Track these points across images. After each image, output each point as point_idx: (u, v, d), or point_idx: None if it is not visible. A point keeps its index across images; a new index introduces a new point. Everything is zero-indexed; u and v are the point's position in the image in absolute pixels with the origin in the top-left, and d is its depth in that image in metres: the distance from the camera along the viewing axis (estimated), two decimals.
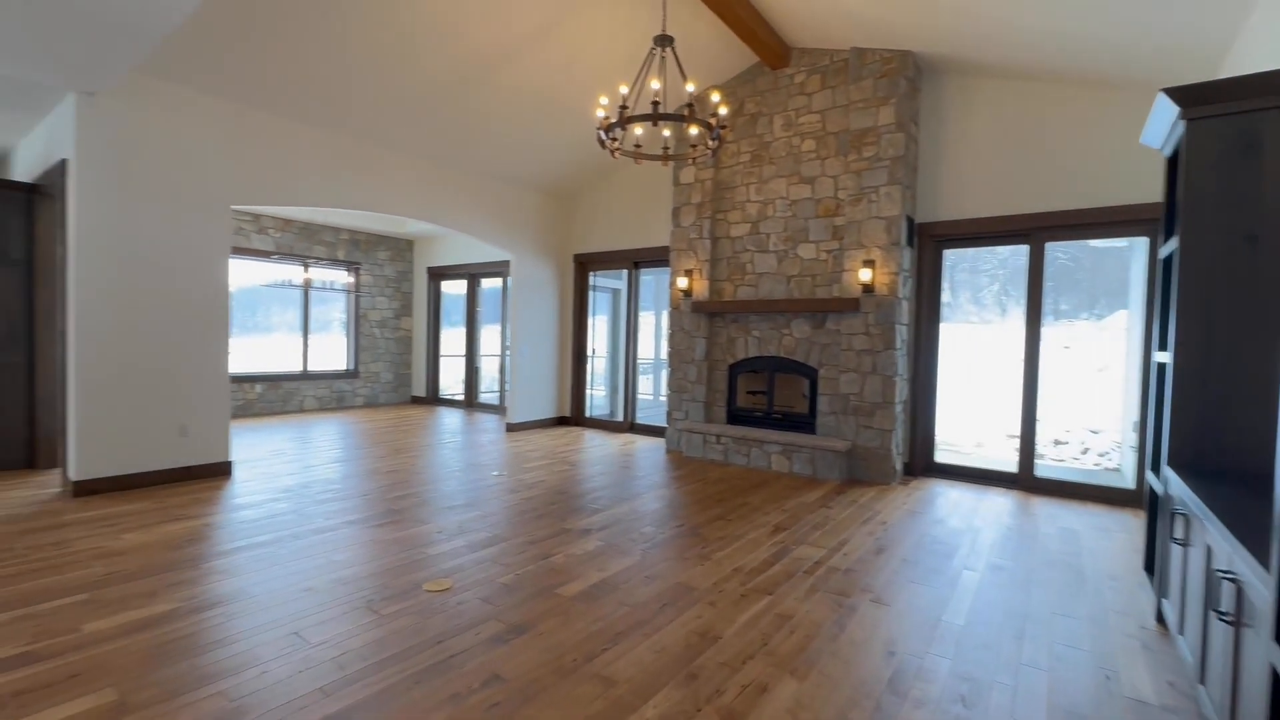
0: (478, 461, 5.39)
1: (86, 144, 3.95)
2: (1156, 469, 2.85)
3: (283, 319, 8.73)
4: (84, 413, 3.99)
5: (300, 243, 8.35)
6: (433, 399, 9.66)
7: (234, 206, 4.74)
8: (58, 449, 4.70)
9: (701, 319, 6.01)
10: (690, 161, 4.19)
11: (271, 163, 4.84)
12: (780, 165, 5.59)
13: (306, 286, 8.17)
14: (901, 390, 5.07)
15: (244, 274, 8.05)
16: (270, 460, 5.22)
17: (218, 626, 2.29)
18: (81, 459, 3.99)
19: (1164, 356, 2.66)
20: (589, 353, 7.72)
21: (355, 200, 5.45)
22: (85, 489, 3.99)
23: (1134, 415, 6.73)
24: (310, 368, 8.64)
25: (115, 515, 3.60)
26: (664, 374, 10.47)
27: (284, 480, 4.54)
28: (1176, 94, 2.45)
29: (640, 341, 7.42)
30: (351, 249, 8.98)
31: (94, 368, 4.02)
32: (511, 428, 7.13)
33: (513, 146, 6.20)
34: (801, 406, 5.60)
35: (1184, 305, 2.44)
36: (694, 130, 4.07)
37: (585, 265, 7.66)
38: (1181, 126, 2.48)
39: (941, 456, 5.33)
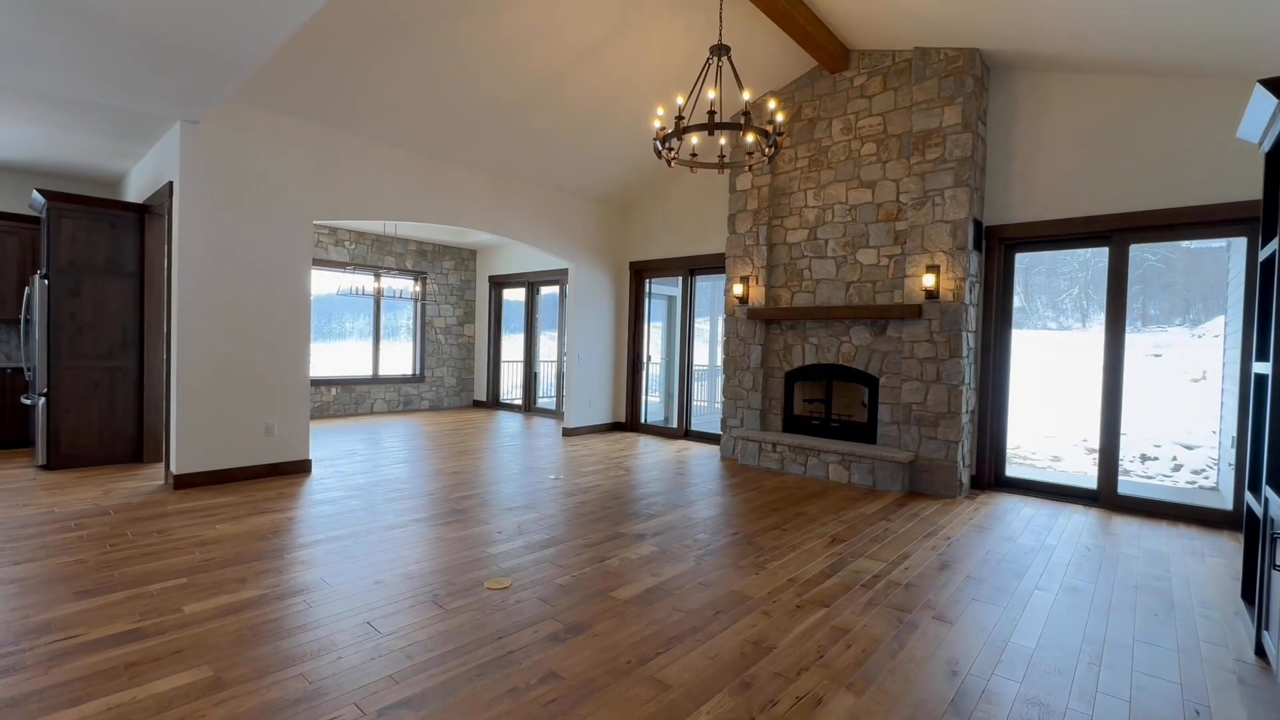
0: (535, 465, 5.54)
1: (189, 167, 4.34)
2: (1256, 489, 2.64)
3: (355, 326, 9.24)
4: (183, 412, 4.37)
5: (372, 254, 8.83)
6: (493, 403, 9.97)
7: (315, 221, 5.08)
8: (162, 445, 5.15)
9: (757, 326, 5.96)
10: (746, 169, 4.19)
11: (350, 180, 5.17)
12: (839, 170, 5.49)
13: (378, 295, 8.62)
14: (968, 400, 4.86)
15: (321, 284, 8.57)
16: (344, 459, 5.54)
17: (299, 613, 2.46)
18: (181, 454, 4.36)
19: (1264, 367, 2.46)
20: (644, 359, 7.79)
21: (425, 214, 5.73)
22: (184, 482, 4.36)
23: (1233, 430, 6.19)
24: (380, 372, 9.10)
25: (210, 507, 3.91)
26: (719, 381, 10.46)
27: (357, 479, 4.81)
28: (1275, 85, 2.28)
29: (695, 349, 7.43)
30: (419, 259, 9.42)
31: (192, 371, 4.40)
32: (568, 433, 7.27)
33: (571, 159, 6.37)
34: (861, 415, 5.46)
35: None
36: (750, 138, 4.08)
37: (641, 273, 7.75)
38: None
39: (1014, 470, 5.07)
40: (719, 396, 10.36)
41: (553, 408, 9.32)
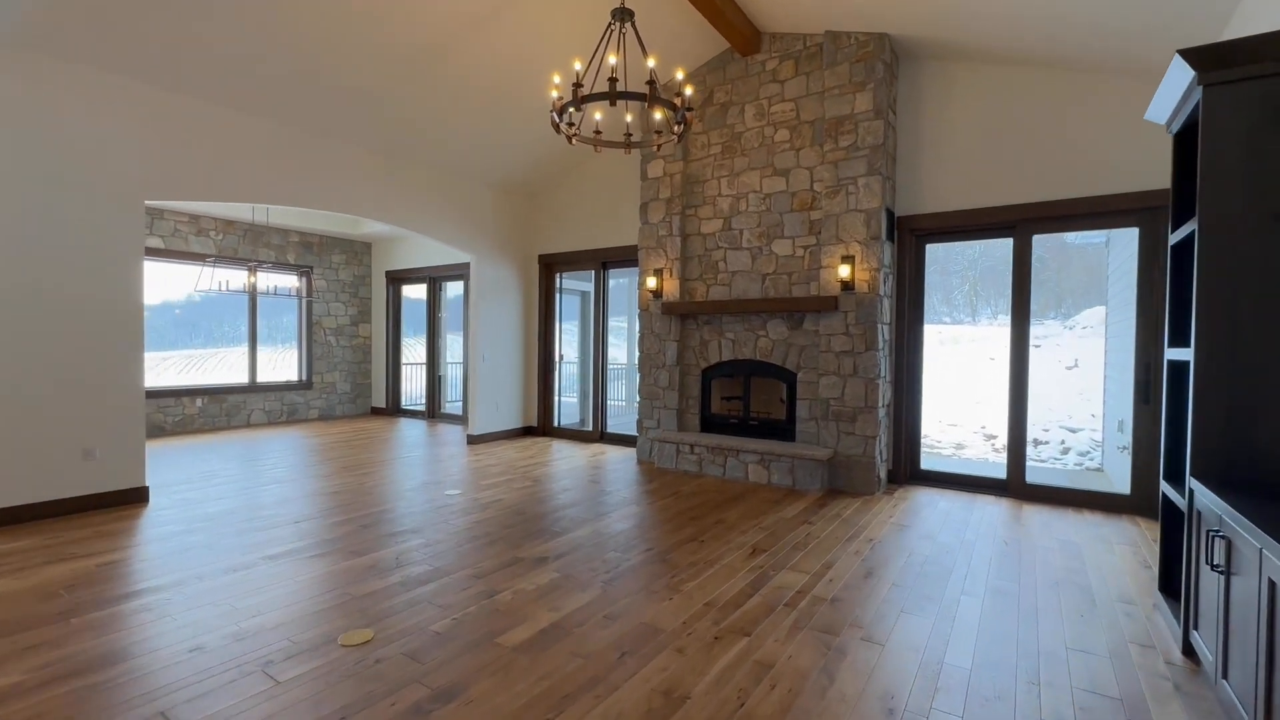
0: (432, 479, 4.95)
1: None
2: (1175, 479, 2.56)
3: (228, 328, 8.16)
4: None
5: (245, 245, 7.80)
6: (394, 410, 9.15)
7: (151, 201, 4.24)
8: None
9: (672, 321, 5.65)
10: (655, 149, 3.84)
11: (197, 154, 4.36)
12: (753, 157, 5.27)
13: (253, 293, 7.61)
14: (884, 394, 4.77)
15: (182, 280, 7.48)
16: (199, 483, 4.71)
17: (65, 708, 1.84)
18: None
19: (1182, 354, 2.37)
20: (556, 359, 7.32)
21: (296, 196, 4.98)
22: None
23: (1118, 414, 6.56)
24: (259, 379, 8.08)
25: None
26: (637, 381, 10.16)
27: (208, 507, 4.05)
28: (1194, 56, 2.17)
29: (613, 346, 7.06)
30: (303, 252, 8.45)
31: None
32: (473, 440, 6.68)
33: (470, 140, 5.79)
34: (779, 412, 5.28)
35: (1205, 296, 2.15)
36: (658, 115, 3.74)
37: (551, 266, 7.27)
38: (1199, 94, 2.20)
39: (928, 462, 5.04)
40: (634, 396, 10.06)
41: (460, 413, 8.65)
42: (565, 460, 5.81)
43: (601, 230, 6.71)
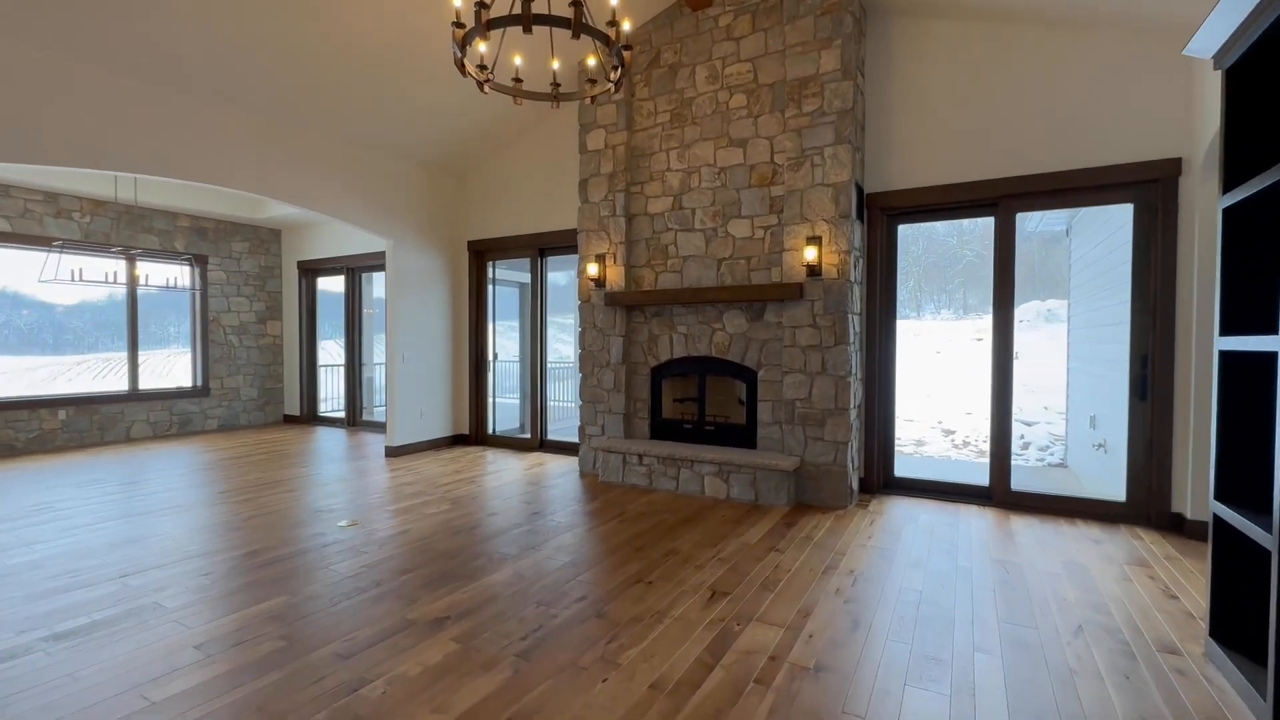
0: (330, 504, 4.11)
1: None
2: (1235, 500, 2.05)
3: (103, 327, 7.00)
4: None
5: (120, 230, 6.67)
6: (309, 418, 8.14)
7: None
8: None
9: (617, 313, 4.97)
10: (588, 100, 3.14)
11: (6, 105, 3.39)
12: (705, 126, 4.63)
13: (132, 285, 6.50)
14: (856, 393, 4.22)
15: (35, 271, 6.31)
16: (21, 520, 3.73)
17: None
18: None
19: (1254, 343, 1.84)
20: (490, 358, 6.52)
21: (149, 163, 4.04)
22: None
23: (1086, 409, 6.27)
24: (141, 385, 6.95)
25: None
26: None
27: (12, 556, 3.12)
28: None
29: (563, 344, 6.32)
30: (195, 239, 7.34)
31: None
32: (393, 452, 5.83)
33: (382, 107, 4.94)
34: (738, 416, 4.67)
35: None
36: (591, 61, 3.07)
37: (482, 254, 6.46)
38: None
39: (901, 468, 4.53)
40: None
41: (385, 419, 7.72)
42: (496, 475, 5.04)
43: (538, 213, 5.96)
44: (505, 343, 7.02)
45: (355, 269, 7.75)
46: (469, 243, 6.44)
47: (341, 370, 8.13)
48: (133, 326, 6.93)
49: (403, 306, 5.92)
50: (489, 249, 6.35)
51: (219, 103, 4.41)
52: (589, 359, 5.14)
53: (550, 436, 6.19)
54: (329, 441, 6.71)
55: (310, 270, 8.09)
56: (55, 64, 3.62)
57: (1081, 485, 5.56)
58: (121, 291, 6.85)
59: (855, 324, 4.20)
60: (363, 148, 5.50)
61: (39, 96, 3.56)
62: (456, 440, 6.52)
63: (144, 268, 6.77)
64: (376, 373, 8.27)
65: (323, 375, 8.36)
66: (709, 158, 4.62)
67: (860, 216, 4.26)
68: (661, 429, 4.90)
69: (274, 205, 7.30)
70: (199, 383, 7.45)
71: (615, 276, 4.97)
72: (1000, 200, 4.01)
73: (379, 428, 7.54)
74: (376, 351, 8.20)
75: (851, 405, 4.10)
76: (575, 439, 5.96)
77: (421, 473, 5.11)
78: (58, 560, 3.07)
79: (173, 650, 2.17)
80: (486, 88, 2.99)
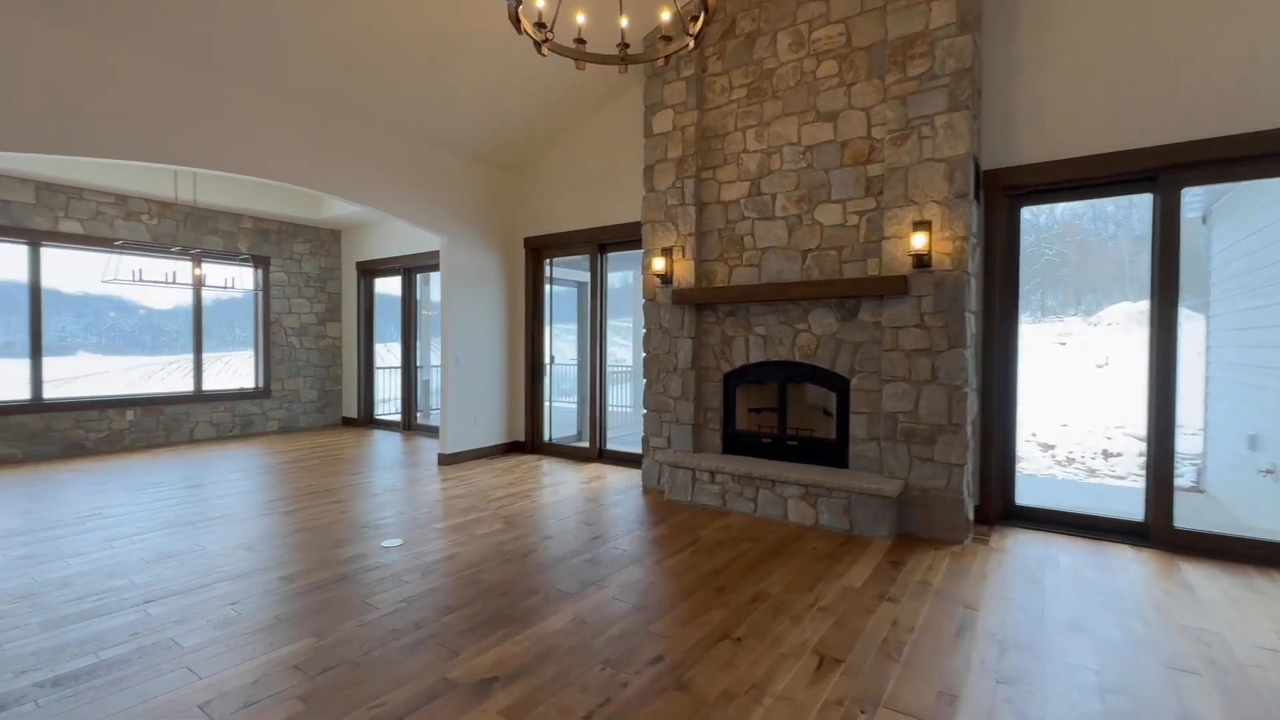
0: (375, 519, 3.80)
1: None
2: None
3: (167, 329, 7.07)
4: None
5: (186, 232, 6.70)
6: (366, 421, 8.02)
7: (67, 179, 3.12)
8: None
9: (686, 313, 4.47)
10: (662, 63, 2.68)
11: (39, 91, 3.23)
12: (788, 100, 4.08)
13: (198, 286, 6.51)
14: (972, 406, 3.57)
15: (110, 272, 6.39)
16: (68, 529, 3.59)
17: None
18: None
19: None
20: (546, 362, 6.16)
21: (190, 155, 3.85)
22: None
23: (1234, 425, 5.29)
24: (205, 386, 6.98)
25: None
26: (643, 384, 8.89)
27: (47, 570, 2.93)
28: None
29: (619, 346, 5.90)
30: (258, 240, 7.34)
31: None
32: (445, 460, 5.53)
33: (432, 97, 4.64)
34: (826, 430, 4.08)
35: None
36: (666, 15, 2.62)
37: (539, 251, 6.10)
38: None
39: (1023, 492, 3.82)
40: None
41: (440, 423, 7.50)
42: (553, 489, 4.64)
43: (598, 205, 5.54)
44: (560, 345, 6.65)
45: (411, 269, 7.58)
46: (525, 239, 6.09)
47: (397, 373, 7.99)
48: (197, 328, 6.97)
49: (457, 307, 5.62)
50: (546, 245, 5.98)
51: (269, 94, 4.20)
52: (654, 364, 4.67)
53: (608, 446, 5.75)
54: (384, 446, 6.51)
55: (368, 271, 7.99)
56: (106, 54, 3.45)
57: (1236, 518, 4.67)
58: (212, 295, 6.89)
59: (972, 324, 3.55)
60: (413, 140, 5.23)
61: (90, 87, 3.39)
62: (511, 448, 6.18)
63: (208, 269, 6.78)
64: (433, 375, 8.09)
65: (380, 377, 8.25)
66: (792, 135, 4.06)
67: (977, 197, 3.61)
68: (735, 443, 4.37)
69: (333, 205, 7.21)
70: (261, 384, 7.44)
71: (684, 272, 4.47)
72: (1161, 172, 3.27)
73: (433, 432, 7.32)
74: (433, 354, 8.02)
75: (968, 420, 3.45)
76: (635, 449, 5.50)
77: (474, 484, 4.77)
78: (88, 579, 2.84)
79: (174, 711, 1.82)
80: (545, 49, 2.58)
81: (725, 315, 4.38)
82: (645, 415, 4.71)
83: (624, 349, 9.70)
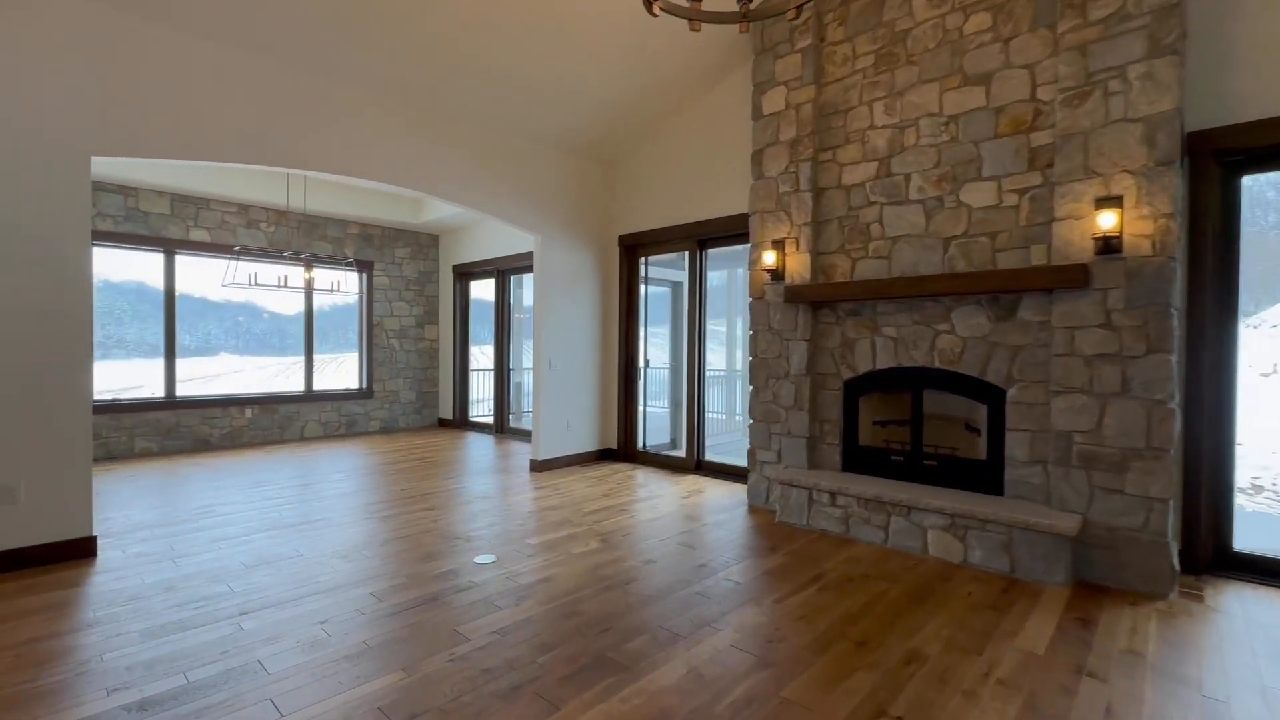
0: (468, 530, 3.62)
1: None
2: None
3: (273, 330, 7.42)
4: None
5: (300, 238, 7.00)
6: (461, 423, 8.09)
7: (99, 156, 3.21)
8: None
9: (800, 312, 3.99)
10: (791, 17, 2.25)
11: (158, 95, 3.30)
12: (926, 64, 3.52)
13: (309, 290, 6.78)
14: (1177, 425, 2.85)
15: (226, 278, 6.77)
16: (182, 525, 3.67)
17: None
18: None
19: None
20: (641, 365, 5.85)
21: (296, 157, 3.85)
22: None
23: None
24: (315, 387, 7.26)
25: None
26: (740, 387, 8.43)
27: (158, 570, 2.93)
28: None
29: (709, 350, 5.49)
30: (363, 245, 7.57)
31: None
32: (538, 466, 5.35)
33: (529, 89, 4.46)
34: (972, 449, 3.47)
35: None
36: None
37: (634, 249, 5.81)
38: None
39: (1243, 534, 3.03)
40: (740, 408, 8.39)
41: (532, 427, 7.40)
42: (650, 503, 4.30)
43: (697, 199, 5.16)
44: (650, 348, 6.33)
45: (505, 271, 7.54)
46: (620, 237, 5.82)
47: (490, 375, 8.00)
48: (308, 331, 7.26)
49: (550, 308, 5.44)
50: (641, 243, 5.67)
51: (372, 93, 4.16)
52: (761, 369, 4.22)
53: (707, 456, 5.34)
54: (477, 450, 6.46)
55: (464, 274, 8.06)
56: (216, 56, 3.50)
57: None
58: (329, 301, 7.21)
59: (1177, 323, 2.84)
60: (509, 135, 5.09)
61: (202, 90, 3.44)
62: (603, 455, 5.92)
63: (318, 274, 7.05)
64: (524, 378, 8.04)
65: (474, 379, 8.31)
66: (931, 105, 3.50)
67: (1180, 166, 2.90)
68: (858, 460, 3.84)
69: (431, 209, 7.30)
70: (364, 385, 7.67)
71: (797, 266, 4.00)
72: None
73: (525, 436, 7.22)
74: (525, 356, 7.97)
75: (1172, 442, 2.75)
76: (735, 461, 5.06)
77: (568, 494, 4.52)
78: (192, 582, 2.80)
79: None
80: (656, 8, 2.24)
81: (846, 315, 3.86)
82: (751, 426, 4.27)
83: (715, 352, 9.26)
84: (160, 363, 6.22)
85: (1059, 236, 3.00)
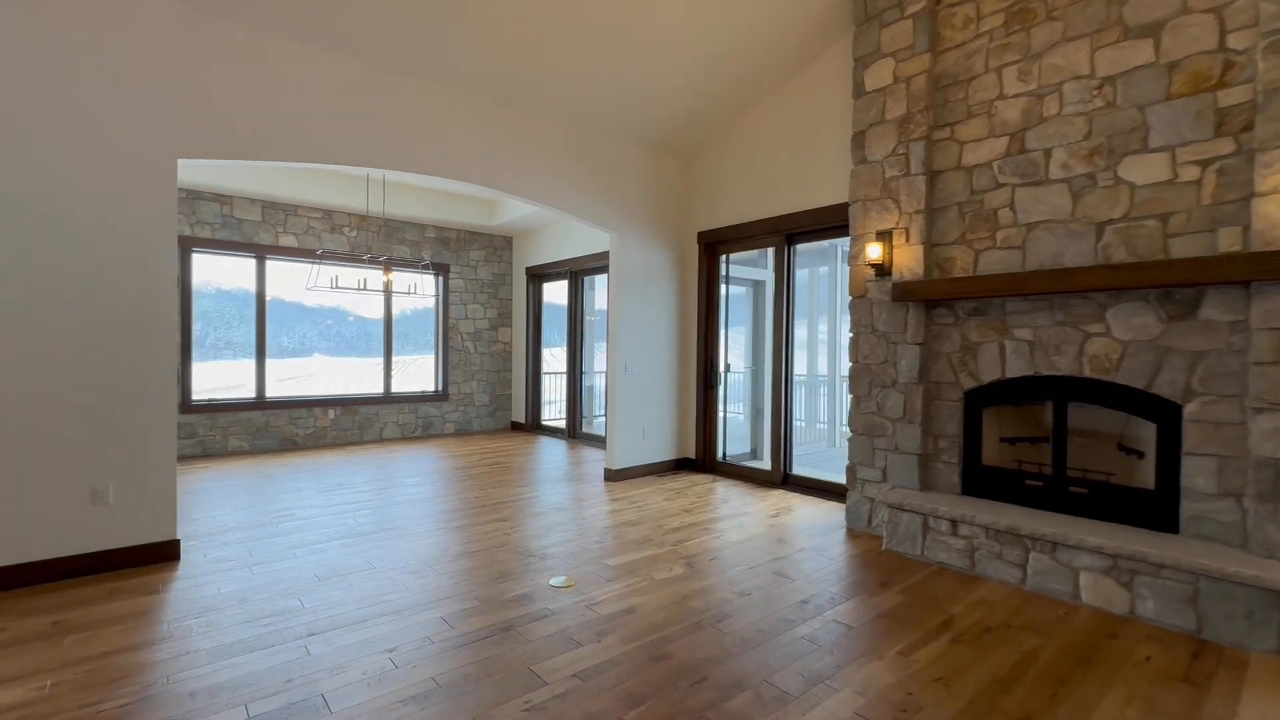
0: (542, 546, 3.39)
1: None
2: None
3: (360, 333, 7.55)
4: None
5: (380, 242, 7.11)
6: (533, 426, 7.99)
7: (186, 159, 3.21)
8: None
9: (910, 312, 3.52)
10: None
11: (237, 95, 3.27)
12: (1072, 19, 2.99)
13: (388, 290, 6.85)
14: None
15: (309, 281, 6.94)
16: (261, 529, 3.64)
17: None
18: None
19: None
20: (721, 370, 5.48)
21: (371, 155, 3.76)
22: None
23: None
24: (393, 389, 7.35)
25: None
26: (825, 393, 7.87)
27: (233, 578, 2.87)
28: None
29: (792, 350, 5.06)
30: (439, 249, 7.61)
31: None
32: (613, 476, 5.09)
33: (607, 80, 4.21)
34: (1132, 475, 2.90)
35: None
36: None
37: (714, 247, 5.46)
38: None
39: None
40: (822, 415, 7.84)
41: (604, 433, 7.17)
42: (735, 522, 3.94)
43: (785, 190, 4.76)
44: (731, 352, 5.95)
45: (578, 272, 7.37)
46: (699, 234, 5.49)
47: (563, 378, 7.85)
48: (388, 334, 7.36)
49: (626, 309, 5.17)
50: (722, 240, 5.31)
51: (448, 88, 4.04)
52: (863, 376, 3.76)
53: (795, 470, 4.91)
54: (550, 455, 6.30)
55: (537, 276, 7.97)
56: (295, 55, 3.45)
57: None
58: (410, 305, 7.32)
59: None
60: (583, 130, 4.86)
61: (281, 90, 3.40)
62: (680, 465, 5.59)
63: (398, 277, 7.12)
64: (595, 381, 7.84)
65: (546, 382, 8.20)
66: (1080, 66, 2.96)
67: None
68: (982, 482, 3.32)
69: (504, 211, 7.24)
70: (439, 388, 7.71)
71: (907, 260, 3.53)
72: None
73: (597, 441, 7.01)
74: (596, 360, 7.77)
75: None
76: (825, 474, 4.61)
77: (646, 508, 4.23)
78: (265, 594, 2.70)
79: None
80: None
81: (968, 315, 3.35)
82: (851, 440, 3.83)
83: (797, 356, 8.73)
84: (291, 362, 6.45)
85: (1261, 216, 2.42)
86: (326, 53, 3.55)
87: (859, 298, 3.79)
